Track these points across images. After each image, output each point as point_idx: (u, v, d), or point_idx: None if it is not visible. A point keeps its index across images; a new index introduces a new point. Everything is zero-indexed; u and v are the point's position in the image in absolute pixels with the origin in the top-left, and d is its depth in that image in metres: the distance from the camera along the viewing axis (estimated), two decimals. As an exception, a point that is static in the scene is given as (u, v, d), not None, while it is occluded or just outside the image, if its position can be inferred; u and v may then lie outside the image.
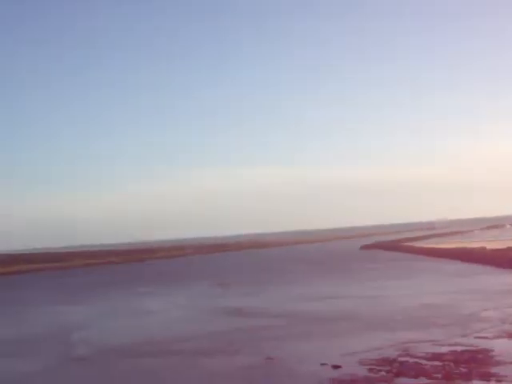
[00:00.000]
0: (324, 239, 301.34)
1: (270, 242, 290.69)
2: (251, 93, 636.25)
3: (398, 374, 28.21)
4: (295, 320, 47.54)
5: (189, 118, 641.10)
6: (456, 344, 33.94)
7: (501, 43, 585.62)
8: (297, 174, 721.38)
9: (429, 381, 26.78)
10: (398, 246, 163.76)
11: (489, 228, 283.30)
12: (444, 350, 32.59)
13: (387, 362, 30.71)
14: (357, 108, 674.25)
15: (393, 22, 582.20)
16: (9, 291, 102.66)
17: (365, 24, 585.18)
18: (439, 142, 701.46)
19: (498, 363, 28.82)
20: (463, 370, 28.09)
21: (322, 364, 31.12)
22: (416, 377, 27.51)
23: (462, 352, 31.72)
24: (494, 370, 27.68)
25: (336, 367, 30.23)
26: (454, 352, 31.82)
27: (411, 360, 30.75)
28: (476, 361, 29.66)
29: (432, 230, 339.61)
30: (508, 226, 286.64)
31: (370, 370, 29.39)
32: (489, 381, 26.15)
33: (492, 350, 31.62)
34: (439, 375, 27.37)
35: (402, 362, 30.37)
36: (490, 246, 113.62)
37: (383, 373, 28.72)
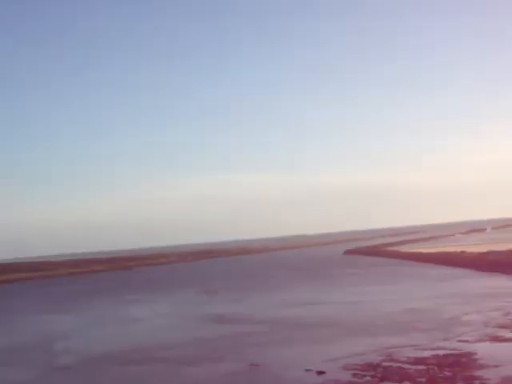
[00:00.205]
0: (310, 244, 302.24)
1: (256, 248, 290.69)
2: (251, 93, 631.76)
3: (382, 379, 28.48)
4: (278, 326, 47.75)
5: (189, 118, 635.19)
6: (439, 348, 34.27)
7: (501, 43, 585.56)
8: (289, 180, 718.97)
9: (413, 385, 27.09)
10: (379, 252, 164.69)
11: (469, 232, 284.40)
12: (427, 354, 32.90)
13: (371, 367, 30.95)
14: (357, 108, 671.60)
15: (393, 21, 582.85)
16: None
17: (365, 24, 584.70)
18: (439, 142, 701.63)
19: (482, 366, 29.15)
20: (447, 373, 28.41)
21: (307, 370, 31.29)
22: (400, 381, 27.79)
23: (446, 356, 32.06)
24: (477, 373, 28.02)
25: (320, 373, 30.43)
26: (437, 356, 32.14)
27: (395, 365, 31.01)
28: (460, 364, 30.00)
29: (416, 234, 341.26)
30: (488, 230, 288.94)
31: (355, 375, 29.62)
32: (472, 384, 26.46)
33: (475, 354, 31.97)
34: (423, 379, 27.67)
35: (386, 367, 30.63)
36: (469, 249, 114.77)
37: (368, 378, 28.96)
